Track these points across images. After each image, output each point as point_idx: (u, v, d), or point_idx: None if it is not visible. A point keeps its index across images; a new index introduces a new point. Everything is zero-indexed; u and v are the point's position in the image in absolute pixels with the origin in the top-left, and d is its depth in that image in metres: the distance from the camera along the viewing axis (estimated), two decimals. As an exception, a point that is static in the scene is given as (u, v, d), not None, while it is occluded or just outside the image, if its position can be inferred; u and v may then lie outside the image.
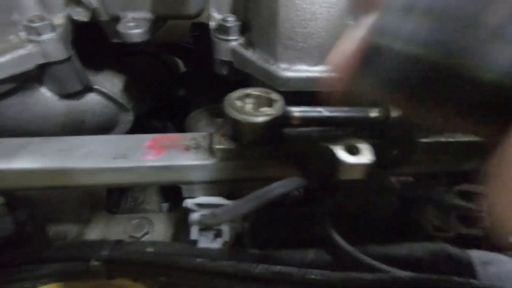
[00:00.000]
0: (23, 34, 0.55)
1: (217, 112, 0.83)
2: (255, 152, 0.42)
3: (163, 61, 1.01)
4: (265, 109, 0.39)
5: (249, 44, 0.56)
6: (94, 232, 0.70)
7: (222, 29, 0.58)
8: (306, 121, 0.42)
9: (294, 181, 0.39)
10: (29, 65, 0.54)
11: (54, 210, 0.65)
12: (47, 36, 0.54)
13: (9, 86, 0.55)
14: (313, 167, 0.43)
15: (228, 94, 0.42)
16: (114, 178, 0.44)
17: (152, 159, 0.43)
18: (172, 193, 0.92)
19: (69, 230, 0.67)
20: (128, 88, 0.77)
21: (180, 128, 1.19)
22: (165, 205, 0.94)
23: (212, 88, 0.88)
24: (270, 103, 0.41)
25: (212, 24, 0.60)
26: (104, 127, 0.75)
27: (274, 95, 0.42)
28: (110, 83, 0.74)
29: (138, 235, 0.69)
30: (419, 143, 0.44)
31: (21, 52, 0.53)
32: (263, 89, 0.43)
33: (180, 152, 0.44)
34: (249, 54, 0.55)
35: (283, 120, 0.40)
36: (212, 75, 0.89)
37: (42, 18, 0.54)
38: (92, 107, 0.69)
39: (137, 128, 0.81)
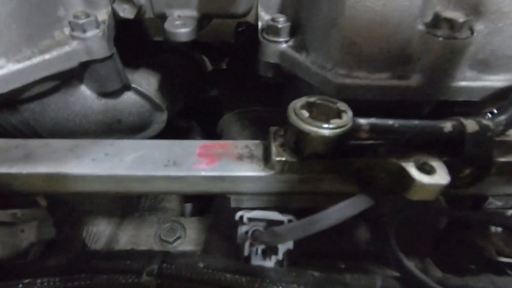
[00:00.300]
0: (67, 30, 0.53)
1: (251, 115, 0.80)
2: (317, 165, 0.39)
3: (193, 58, 0.99)
4: (334, 121, 0.36)
5: (301, 47, 0.53)
6: (126, 234, 0.68)
7: (271, 29, 0.55)
8: (375, 134, 0.38)
9: (362, 201, 0.36)
10: (73, 63, 0.52)
11: (87, 211, 0.64)
12: (92, 32, 0.52)
13: (52, 84, 0.53)
14: (378, 184, 0.40)
15: (293, 102, 0.39)
16: (164, 186, 0.41)
17: (205, 168, 0.41)
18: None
19: (102, 231, 0.66)
20: (163, 88, 0.75)
21: (206, 127, 1.17)
22: (188, 206, 0.93)
23: (246, 90, 0.86)
24: (337, 113, 0.38)
25: (260, 24, 0.57)
26: (139, 127, 0.73)
27: (342, 105, 0.38)
28: (146, 81, 0.72)
29: (170, 239, 0.68)
30: (497, 162, 0.40)
31: (66, 49, 0.51)
32: (328, 98, 0.40)
33: (234, 161, 0.42)
34: (302, 57, 0.52)
35: (351, 132, 0.37)
36: (246, 76, 0.86)
37: (87, 14, 0.52)
38: (129, 107, 0.67)
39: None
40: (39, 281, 0.38)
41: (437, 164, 0.38)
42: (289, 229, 0.36)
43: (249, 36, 0.76)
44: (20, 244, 0.41)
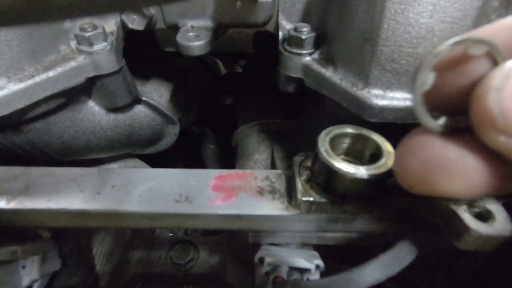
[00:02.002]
0: (73, 44, 0.49)
1: (268, 127, 0.75)
2: (350, 207, 0.34)
3: (207, 63, 0.94)
4: (372, 159, 0.31)
5: (328, 60, 0.47)
6: (136, 255, 0.65)
7: (294, 40, 0.49)
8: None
9: (407, 251, 0.31)
10: (79, 79, 0.48)
11: (97, 232, 0.61)
12: (99, 46, 0.48)
13: (57, 102, 0.50)
14: (422, 227, 0.34)
15: (322, 133, 0.33)
16: (176, 223, 0.37)
17: (221, 206, 0.36)
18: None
19: (112, 252, 0.63)
20: (175, 98, 0.71)
21: (220, 134, 1.13)
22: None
23: (263, 100, 0.80)
24: (375, 148, 0.33)
25: (281, 34, 0.52)
26: (150, 141, 0.69)
27: (380, 139, 0.33)
28: (158, 93, 0.68)
29: (182, 262, 0.64)
30: None
31: (72, 64, 0.47)
32: (363, 129, 0.34)
33: (253, 197, 0.37)
34: (328, 73, 0.46)
35: (391, 172, 0.32)
36: (263, 85, 0.81)
37: (94, 26, 0.48)
38: (139, 121, 0.63)
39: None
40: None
41: (497, 209, 0.31)
42: (319, 286, 0.31)
43: (268, 46, 0.71)
44: (21, 282, 0.38)
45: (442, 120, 0.22)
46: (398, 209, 0.35)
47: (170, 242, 0.68)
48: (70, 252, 0.49)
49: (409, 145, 0.23)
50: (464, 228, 0.31)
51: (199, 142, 1.13)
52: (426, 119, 0.22)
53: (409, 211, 0.35)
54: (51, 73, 0.45)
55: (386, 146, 0.32)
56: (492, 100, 0.17)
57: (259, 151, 0.72)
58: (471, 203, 0.32)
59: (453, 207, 0.32)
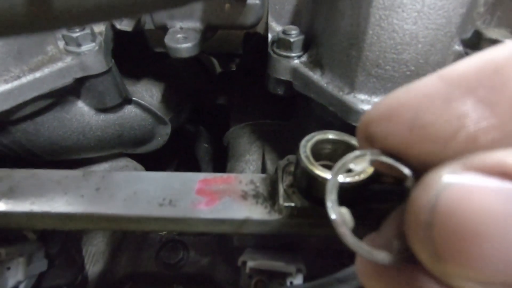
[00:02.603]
0: (61, 44, 0.49)
1: (259, 128, 0.75)
2: (331, 212, 0.34)
3: (201, 62, 0.94)
4: (354, 165, 0.31)
5: (315, 64, 0.47)
6: (126, 255, 0.65)
7: (283, 43, 0.49)
8: (401, 178, 0.33)
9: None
10: (67, 80, 0.48)
11: (85, 232, 0.61)
12: (87, 47, 0.48)
13: (45, 103, 0.49)
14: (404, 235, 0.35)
15: (303, 140, 0.33)
16: (159, 226, 0.37)
17: (204, 210, 0.36)
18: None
19: (102, 252, 0.63)
20: (167, 99, 0.71)
21: (214, 132, 1.13)
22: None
23: (255, 101, 0.80)
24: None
25: (270, 36, 0.51)
26: (141, 141, 0.69)
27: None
28: (149, 93, 0.68)
29: (172, 261, 0.64)
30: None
31: (59, 65, 0.47)
32: (345, 136, 0.34)
33: (237, 201, 0.37)
34: (316, 77, 0.46)
35: (374, 177, 0.32)
36: (255, 86, 0.81)
37: (82, 26, 0.48)
38: (130, 121, 0.63)
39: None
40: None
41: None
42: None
43: (258, 48, 0.71)
44: (6, 283, 0.38)
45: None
46: (380, 216, 0.35)
47: (160, 242, 0.68)
48: (58, 252, 0.49)
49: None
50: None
51: (193, 140, 1.13)
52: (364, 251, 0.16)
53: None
54: (37, 74, 0.45)
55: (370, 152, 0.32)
56: (423, 241, 0.13)
57: (250, 152, 0.72)
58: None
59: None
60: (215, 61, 1.14)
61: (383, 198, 0.34)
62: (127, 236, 0.67)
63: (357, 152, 0.20)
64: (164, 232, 0.77)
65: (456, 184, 0.13)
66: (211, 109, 1.11)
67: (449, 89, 0.14)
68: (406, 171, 0.18)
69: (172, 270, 0.64)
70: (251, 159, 0.71)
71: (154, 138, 0.71)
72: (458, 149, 0.14)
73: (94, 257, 0.62)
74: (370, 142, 0.19)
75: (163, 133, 0.71)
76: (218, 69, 1.16)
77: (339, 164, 0.20)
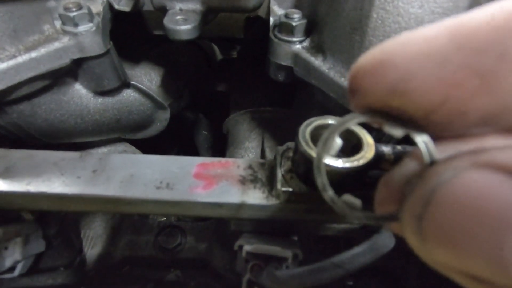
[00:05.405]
0: (58, 24, 0.48)
1: (259, 115, 0.74)
2: (329, 198, 0.34)
3: (201, 48, 0.92)
4: (353, 152, 0.30)
5: (317, 49, 0.46)
6: (124, 239, 0.66)
7: (284, 27, 0.48)
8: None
9: (382, 243, 0.31)
10: (64, 61, 0.47)
11: (83, 215, 0.61)
12: (84, 27, 0.47)
13: (41, 84, 0.49)
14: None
15: (303, 124, 0.33)
16: (156, 209, 0.37)
17: (202, 194, 0.36)
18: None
19: (100, 235, 0.63)
20: (166, 83, 0.70)
21: (214, 120, 1.12)
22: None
23: (255, 88, 0.79)
24: (356, 140, 0.32)
25: (272, 19, 0.50)
26: (140, 126, 0.69)
27: (362, 131, 0.32)
28: (148, 77, 0.67)
29: (169, 246, 0.65)
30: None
31: (56, 45, 0.46)
32: (345, 120, 0.33)
33: (234, 185, 0.37)
34: (317, 62, 0.45)
35: (373, 163, 0.31)
36: (256, 73, 0.80)
37: (79, 5, 0.47)
38: (128, 105, 0.63)
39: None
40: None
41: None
42: (293, 276, 0.32)
43: (260, 32, 0.70)
44: (3, 262, 0.38)
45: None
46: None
47: (158, 227, 0.68)
48: (56, 234, 0.49)
49: None
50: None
51: (192, 128, 1.13)
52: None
53: (388, 204, 0.35)
54: (34, 54, 0.44)
55: (367, 138, 0.32)
56: (414, 231, 0.14)
57: (249, 139, 0.72)
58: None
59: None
60: (216, 47, 1.12)
61: (377, 182, 0.34)
62: (125, 220, 0.67)
63: (347, 117, 0.19)
64: (163, 218, 0.77)
65: (457, 180, 0.12)
66: (211, 96, 1.10)
67: (452, 48, 0.12)
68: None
69: (170, 255, 0.65)
70: (250, 146, 0.71)
71: (153, 123, 0.71)
72: (440, 120, 0.13)
73: (92, 240, 0.62)
74: (352, 95, 0.17)
75: (162, 118, 0.70)
76: (219, 56, 1.15)
77: (325, 134, 0.19)
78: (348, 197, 0.19)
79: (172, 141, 1.11)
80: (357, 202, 0.19)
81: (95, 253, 0.61)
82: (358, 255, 0.30)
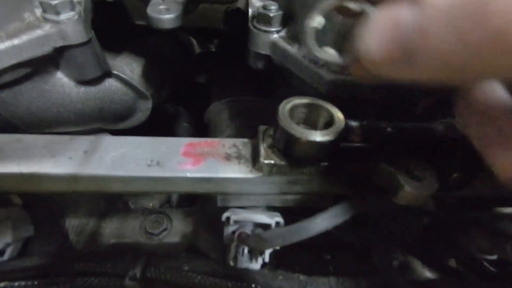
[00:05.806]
0: (39, 12, 0.48)
1: (241, 105, 0.77)
2: (306, 169, 0.38)
3: (180, 41, 0.94)
4: (325, 125, 0.35)
5: (293, 39, 0.50)
6: (110, 227, 0.67)
7: (262, 18, 0.51)
8: (367, 138, 0.37)
9: (351, 207, 0.35)
10: (46, 48, 0.48)
11: (69, 203, 0.62)
12: (66, 15, 0.48)
13: (23, 72, 0.49)
14: (368, 188, 0.40)
15: (282, 103, 0.37)
16: (147, 187, 0.40)
17: (191, 169, 0.39)
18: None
19: (85, 223, 0.64)
20: (147, 74, 0.71)
21: (194, 113, 1.14)
22: (175, 196, 0.91)
23: (236, 77, 0.82)
24: (329, 116, 0.37)
25: (250, 11, 0.54)
26: (122, 115, 0.70)
27: (333, 108, 0.37)
28: (130, 67, 0.68)
29: (156, 231, 0.67)
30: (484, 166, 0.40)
31: (38, 33, 0.46)
32: (319, 101, 0.38)
33: (221, 161, 0.40)
34: (293, 50, 0.49)
35: (343, 136, 0.36)
36: (236, 63, 0.82)
37: (60, -6, 0.47)
38: (111, 95, 0.63)
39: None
40: (16, 284, 0.36)
41: (428, 172, 0.37)
42: (276, 236, 0.36)
43: (239, 23, 0.73)
44: (-6, 245, 0.39)
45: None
46: (348, 172, 0.40)
47: (143, 214, 0.70)
48: (43, 220, 0.50)
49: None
50: (400, 185, 0.36)
51: (172, 121, 1.13)
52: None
53: (358, 174, 0.40)
54: (15, 41, 0.45)
55: (338, 114, 0.36)
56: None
57: (231, 127, 0.75)
58: (408, 167, 0.38)
59: (393, 169, 0.37)
60: (193, 41, 1.14)
61: (351, 156, 0.39)
62: (111, 208, 0.68)
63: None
64: (151, 204, 0.78)
65: None
66: (191, 89, 1.11)
67: None
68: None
69: (156, 240, 0.67)
70: (232, 134, 0.74)
71: (135, 113, 0.72)
72: None
73: (78, 228, 0.63)
74: None
75: (144, 108, 0.72)
76: (197, 49, 1.16)
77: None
78: (328, 49, 0.27)
79: (153, 134, 1.11)
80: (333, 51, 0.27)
81: (81, 241, 0.62)
82: (332, 215, 0.34)
